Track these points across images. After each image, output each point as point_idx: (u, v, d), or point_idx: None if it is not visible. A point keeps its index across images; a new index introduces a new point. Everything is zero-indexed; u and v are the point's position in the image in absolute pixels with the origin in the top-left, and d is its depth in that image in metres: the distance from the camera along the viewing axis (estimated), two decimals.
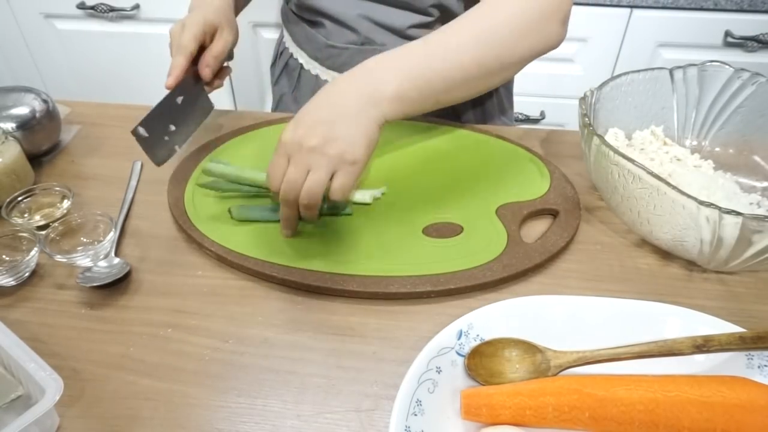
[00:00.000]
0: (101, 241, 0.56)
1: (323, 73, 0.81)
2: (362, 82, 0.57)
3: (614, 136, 0.65)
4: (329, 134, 0.53)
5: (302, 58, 0.83)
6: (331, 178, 0.53)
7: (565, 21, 0.64)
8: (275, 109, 0.95)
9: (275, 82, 0.92)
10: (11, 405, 0.44)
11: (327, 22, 0.76)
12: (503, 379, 0.43)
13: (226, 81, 1.51)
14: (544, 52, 0.63)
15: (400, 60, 0.57)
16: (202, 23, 0.68)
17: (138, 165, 0.70)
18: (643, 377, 0.41)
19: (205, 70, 0.70)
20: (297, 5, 0.78)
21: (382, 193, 0.62)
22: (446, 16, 0.75)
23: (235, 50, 1.54)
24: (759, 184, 0.63)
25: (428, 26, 0.76)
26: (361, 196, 0.61)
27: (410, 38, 0.75)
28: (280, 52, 0.90)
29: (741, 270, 0.55)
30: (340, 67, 0.78)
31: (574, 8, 0.69)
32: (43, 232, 0.57)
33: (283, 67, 0.88)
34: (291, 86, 0.88)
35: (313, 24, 0.79)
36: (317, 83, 0.82)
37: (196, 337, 0.49)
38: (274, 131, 0.76)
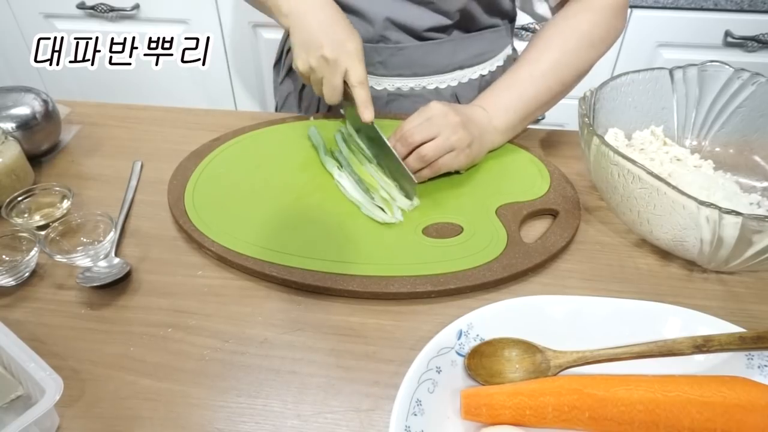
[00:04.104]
0: (101, 241, 0.56)
1: None
2: (482, 113, 0.68)
3: (614, 136, 0.65)
4: (467, 124, 0.64)
5: None
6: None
7: (626, 14, 0.72)
8: (280, 108, 0.94)
9: (280, 82, 0.92)
10: (11, 405, 0.44)
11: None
12: (503, 379, 0.43)
13: (226, 81, 1.52)
14: (610, 48, 0.73)
15: (504, 97, 0.69)
16: (361, 49, 0.67)
17: (138, 165, 0.70)
18: (643, 377, 0.41)
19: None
20: None
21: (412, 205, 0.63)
22: (466, 20, 0.76)
23: (235, 50, 1.53)
24: (759, 184, 0.63)
25: (445, 30, 0.76)
26: (405, 202, 0.62)
27: (425, 39, 0.75)
28: (285, 50, 0.89)
29: (741, 270, 0.55)
30: None
31: None
32: (43, 232, 0.57)
33: (289, 66, 0.88)
34: (297, 86, 0.88)
35: None
36: None
37: (196, 337, 0.49)
38: (275, 131, 0.76)
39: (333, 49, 0.65)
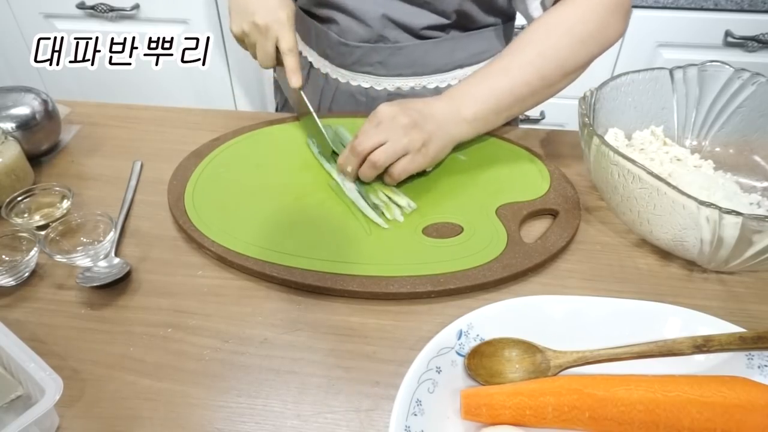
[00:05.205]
0: (101, 241, 0.56)
1: (333, 71, 0.81)
2: (447, 104, 0.65)
3: (614, 136, 0.65)
4: (420, 123, 0.61)
5: (311, 56, 0.83)
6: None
7: (626, 16, 0.68)
8: (281, 109, 0.94)
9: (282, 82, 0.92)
10: (11, 405, 0.44)
11: (342, 18, 0.76)
12: (503, 379, 0.43)
13: (226, 81, 1.52)
14: (605, 51, 0.68)
15: (476, 86, 0.66)
16: (292, 17, 0.69)
17: (138, 165, 0.70)
18: (643, 377, 0.41)
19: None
20: (312, 1, 0.78)
21: (409, 206, 0.62)
22: (464, 19, 0.76)
23: (235, 50, 1.53)
24: (759, 184, 0.63)
25: (443, 29, 0.76)
26: (402, 202, 0.62)
27: (423, 38, 0.75)
28: None
29: (741, 270, 0.55)
30: (351, 66, 0.79)
31: None
32: (43, 232, 0.57)
33: None
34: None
35: (324, 21, 0.78)
36: (327, 82, 0.82)
37: (196, 337, 0.49)
38: (275, 131, 0.76)
39: (264, 16, 0.67)
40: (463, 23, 0.77)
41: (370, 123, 0.62)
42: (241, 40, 0.72)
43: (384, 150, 0.60)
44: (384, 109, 0.62)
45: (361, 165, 0.62)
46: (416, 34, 0.75)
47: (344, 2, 0.74)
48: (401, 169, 0.61)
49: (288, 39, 0.67)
